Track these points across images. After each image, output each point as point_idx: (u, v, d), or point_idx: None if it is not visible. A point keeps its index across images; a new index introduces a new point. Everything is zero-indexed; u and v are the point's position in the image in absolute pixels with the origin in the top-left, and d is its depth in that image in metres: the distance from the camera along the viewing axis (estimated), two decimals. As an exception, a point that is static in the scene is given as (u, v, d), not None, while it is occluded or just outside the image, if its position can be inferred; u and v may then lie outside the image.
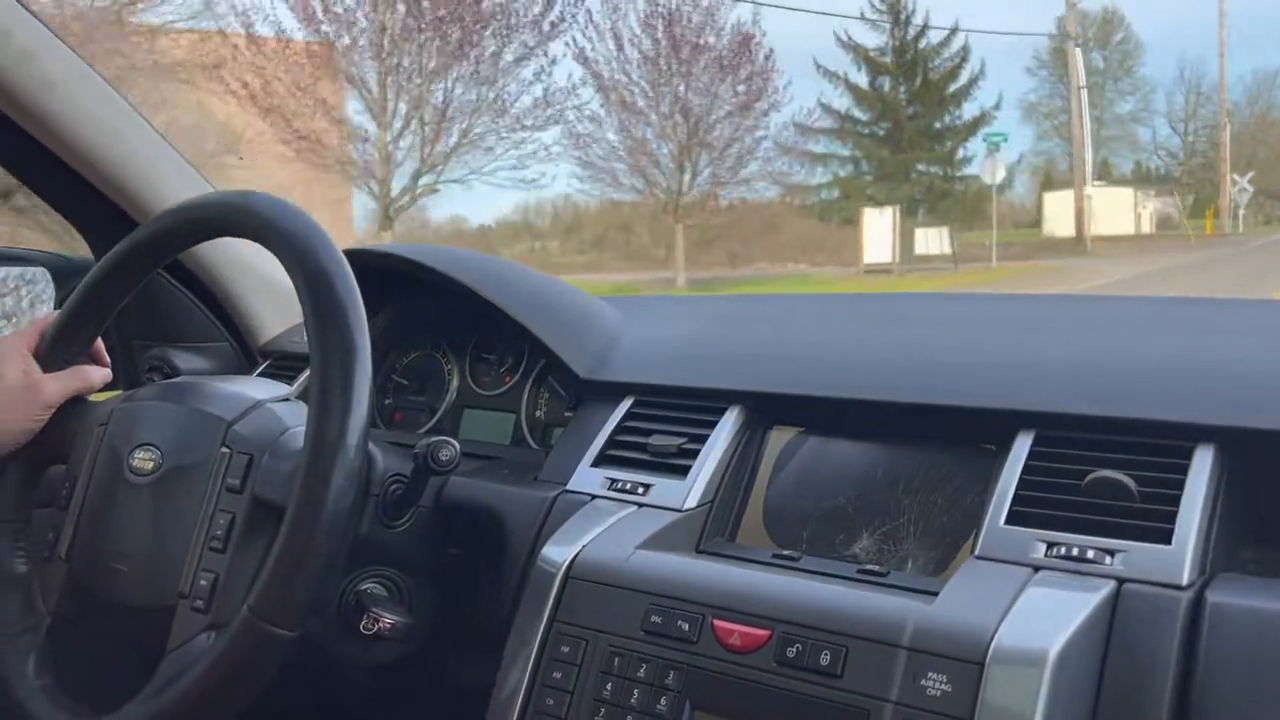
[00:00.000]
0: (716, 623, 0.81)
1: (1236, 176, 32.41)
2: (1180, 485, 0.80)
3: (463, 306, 1.23)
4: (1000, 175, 23.16)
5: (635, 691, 0.82)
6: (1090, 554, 0.79)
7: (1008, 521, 0.83)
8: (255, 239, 0.94)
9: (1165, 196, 38.61)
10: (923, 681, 0.73)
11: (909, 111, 31.61)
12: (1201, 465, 0.81)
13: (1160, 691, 0.71)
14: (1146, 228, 34.23)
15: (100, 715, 0.87)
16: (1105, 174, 38.60)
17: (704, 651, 0.81)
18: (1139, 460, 0.83)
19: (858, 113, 31.97)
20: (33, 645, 0.95)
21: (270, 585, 0.81)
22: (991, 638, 0.72)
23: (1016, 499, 0.84)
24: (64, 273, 1.44)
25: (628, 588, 0.86)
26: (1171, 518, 0.78)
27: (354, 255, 1.00)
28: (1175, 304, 1.15)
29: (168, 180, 1.30)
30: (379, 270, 1.27)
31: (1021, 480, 0.85)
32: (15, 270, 1.52)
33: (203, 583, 0.88)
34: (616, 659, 0.84)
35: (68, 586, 0.96)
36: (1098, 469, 0.83)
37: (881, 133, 31.90)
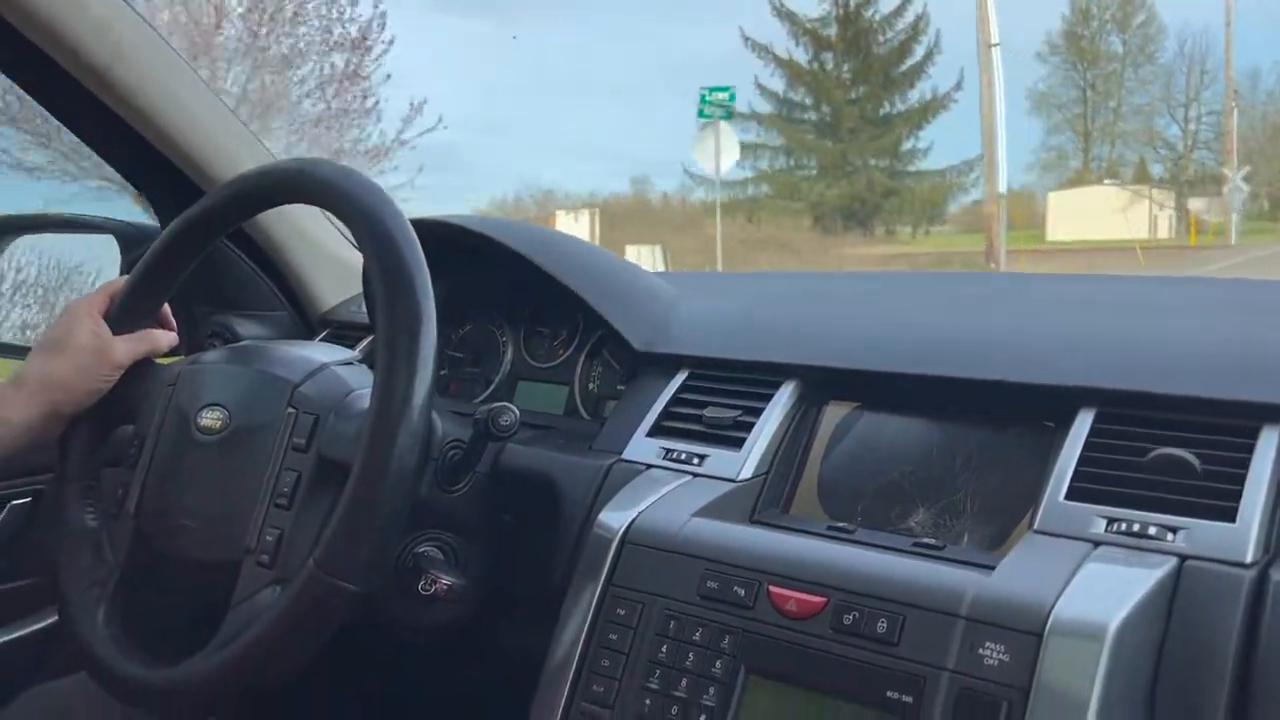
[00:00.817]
0: (772, 589, 0.82)
1: (1227, 171, 28.77)
2: (1245, 464, 0.79)
3: (518, 278, 1.24)
4: (728, 157, 15.67)
5: (690, 654, 0.82)
6: (1152, 530, 0.78)
7: (1068, 496, 0.83)
8: (324, 205, 0.96)
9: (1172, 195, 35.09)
10: (980, 651, 0.73)
11: (852, 94, 28.06)
12: (1268, 444, 0.80)
13: (1221, 670, 0.71)
14: (1163, 232, 31.14)
15: (167, 665, 0.90)
16: (1115, 172, 35.38)
17: (760, 617, 0.81)
18: (1203, 439, 0.82)
19: (794, 96, 28.50)
20: (102, 597, 0.98)
21: (336, 540, 0.83)
22: (1051, 609, 0.72)
23: (1077, 475, 0.84)
24: (131, 239, 1.48)
25: (683, 553, 0.87)
26: (1236, 496, 0.78)
27: (415, 224, 1.01)
28: (1241, 286, 1.13)
29: (233, 149, 1.33)
30: (438, 240, 1.29)
31: (1082, 456, 0.85)
32: (85, 236, 1.56)
33: (268, 538, 0.90)
34: (672, 622, 0.84)
35: (135, 542, 0.99)
36: (1160, 446, 0.83)
37: (820, 119, 28.45)
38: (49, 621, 1.29)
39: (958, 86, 29.08)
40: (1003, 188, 20.03)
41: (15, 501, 1.29)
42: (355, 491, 0.83)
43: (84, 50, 1.19)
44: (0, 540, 1.28)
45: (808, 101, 28.67)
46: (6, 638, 1.29)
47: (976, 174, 27.92)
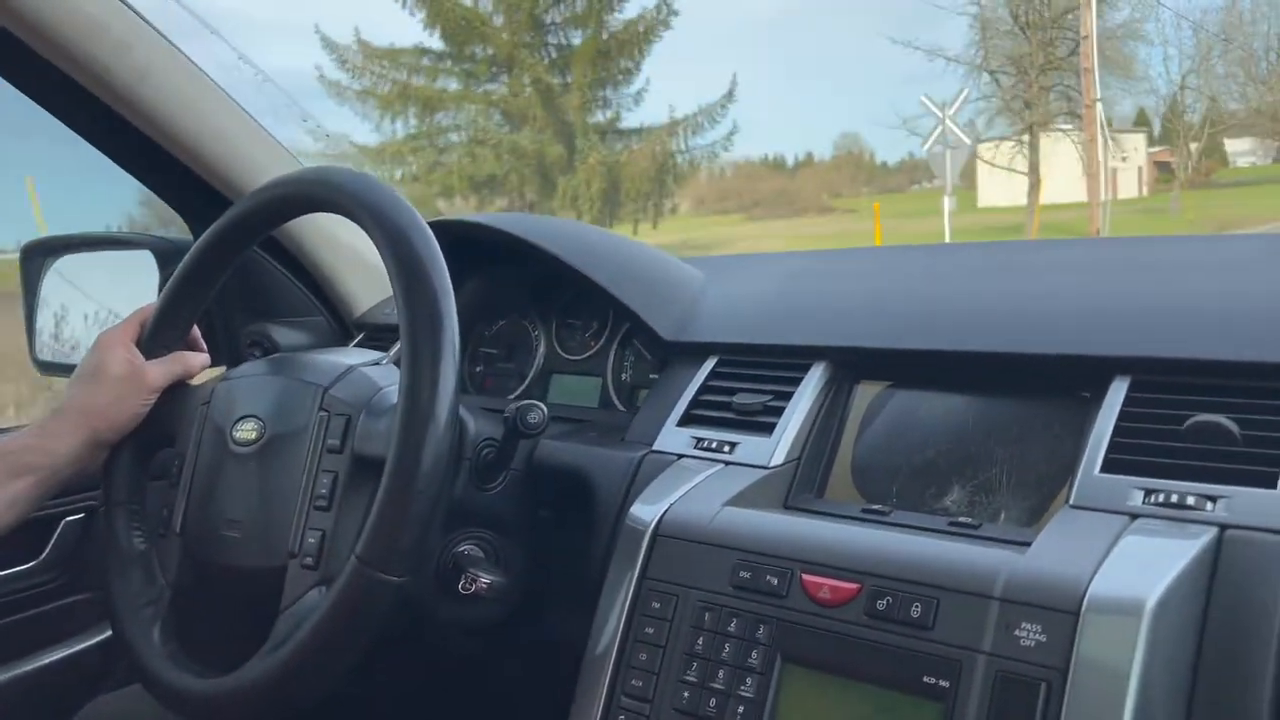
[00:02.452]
0: (805, 577, 0.81)
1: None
2: None
3: (547, 273, 1.25)
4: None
5: (726, 645, 0.82)
6: (1190, 500, 0.76)
7: (1103, 469, 0.81)
8: (341, 213, 0.97)
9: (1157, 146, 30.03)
10: (1016, 632, 0.72)
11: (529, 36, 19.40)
12: None
13: (1267, 640, 0.69)
14: (1128, 190, 26.30)
15: (223, 675, 0.91)
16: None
17: (793, 605, 0.81)
18: (1241, 404, 0.80)
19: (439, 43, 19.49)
20: (156, 616, 1.00)
21: (376, 532, 0.84)
22: (1086, 587, 0.71)
23: (1112, 446, 0.82)
24: (167, 255, 1.49)
25: (715, 544, 0.87)
26: (1277, 461, 0.76)
27: (439, 226, 1.02)
28: (1266, 241, 1.10)
29: (259, 161, 1.34)
30: (465, 240, 1.29)
31: (1117, 427, 0.83)
32: (121, 253, 1.59)
33: (310, 540, 0.91)
34: (707, 614, 0.84)
35: (184, 558, 1.01)
36: (1197, 413, 0.81)
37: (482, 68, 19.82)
38: (108, 635, 1.33)
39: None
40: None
41: (70, 518, 1.33)
42: (391, 482, 0.84)
43: (107, 72, 1.21)
44: (57, 557, 1.31)
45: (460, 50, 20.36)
46: (67, 652, 1.32)
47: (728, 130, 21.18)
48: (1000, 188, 25.70)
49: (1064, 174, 22.87)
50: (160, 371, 1.06)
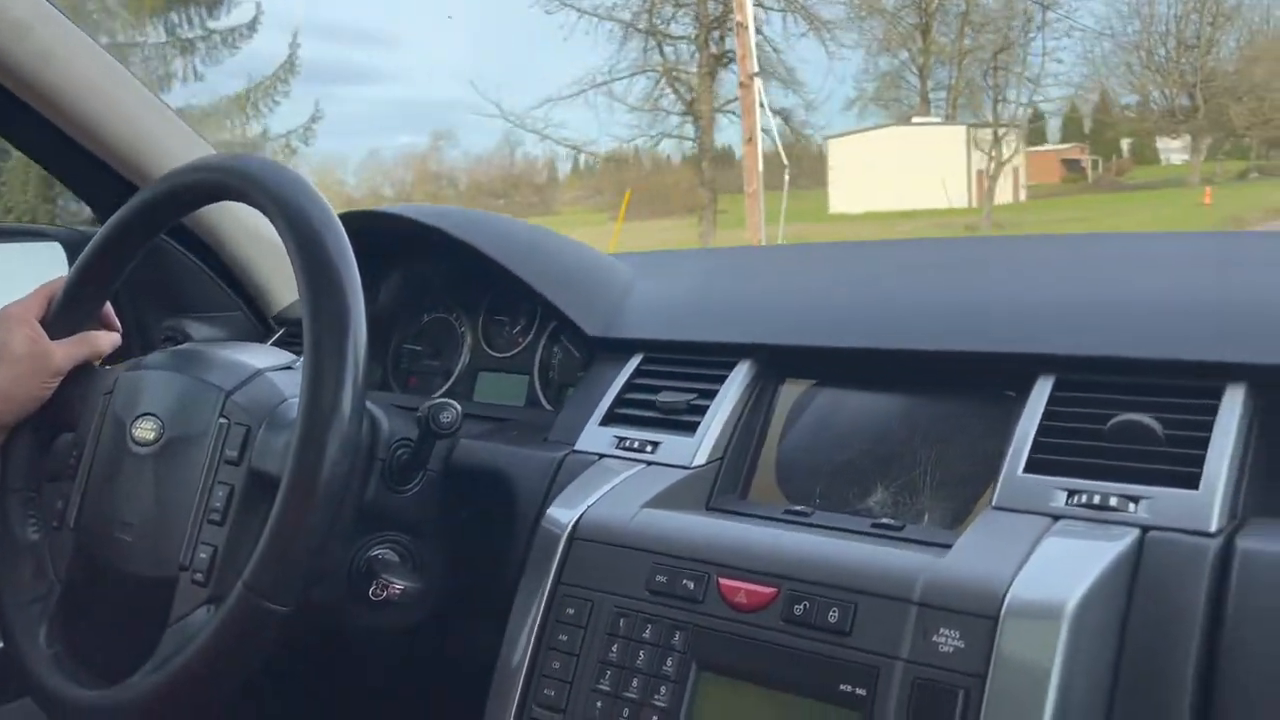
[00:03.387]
0: (722, 581, 0.79)
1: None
2: (1209, 427, 0.76)
3: (473, 268, 1.21)
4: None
5: (641, 653, 0.80)
6: (1113, 501, 0.75)
7: (1027, 469, 0.80)
8: (247, 202, 0.92)
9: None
10: (934, 638, 0.70)
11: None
12: (1231, 406, 0.77)
13: (1187, 644, 0.68)
14: (1005, 196, 22.40)
15: (107, 685, 0.87)
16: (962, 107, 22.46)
17: (710, 611, 0.78)
18: (1165, 403, 0.79)
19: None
20: (44, 613, 0.95)
21: (265, 560, 0.80)
22: (1006, 590, 0.69)
23: (1036, 446, 0.81)
24: (77, 246, 1.43)
25: (632, 547, 0.84)
26: (1199, 461, 0.74)
27: (358, 217, 0.98)
28: (1196, 239, 1.10)
29: (170, 147, 1.29)
30: (387, 233, 1.25)
31: (1041, 426, 0.82)
32: (28, 245, 1.53)
33: (202, 555, 0.87)
34: (622, 620, 0.81)
35: (76, 555, 0.96)
36: (1121, 413, 0.79)
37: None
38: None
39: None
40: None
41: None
42: (283, 509, 0.80)
43: (8, 55, 1.15)
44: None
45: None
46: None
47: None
48: (859, 191, 21.94)
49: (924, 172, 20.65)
50: (65, 353, 1.00)
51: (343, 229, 0.87)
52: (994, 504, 0.79)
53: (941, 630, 0.69)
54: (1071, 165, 30.51)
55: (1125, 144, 28.85)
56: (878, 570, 0.74)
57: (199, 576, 0.86)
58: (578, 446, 1.01)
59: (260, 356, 1.00)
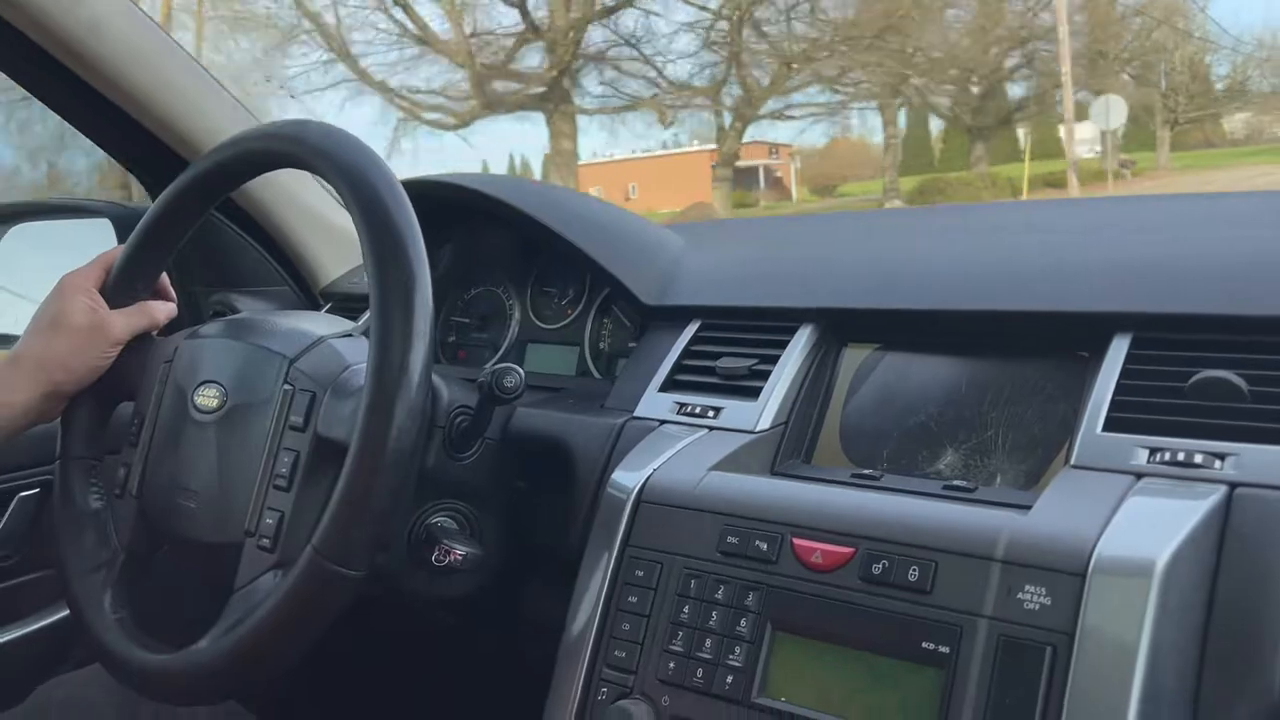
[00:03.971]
0: (796, 541, 0.78)
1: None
2: None
3: (523, 238, 1.20)
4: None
5: (714, 613, 0.79)
6: (1198, 458, 0.73)
7: (1105, 428, 0.78)
8: (308, 169, 0.92)
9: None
10: (1019, 595, 0.68)
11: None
12: None
13: (1278, 601, 0.66)
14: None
15: (173, 650, 0.87)
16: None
17: (784, 571, 0.77)
18: (1248, 359, 0.77)
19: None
20: (108, 580, 0.96)
21: (334, 525, 0.80)
22: (1093, 547, 0.67)
23: (1114, 405, 0.79)
24: (126, 221, 1.44)
25: (701, 509, 0.83)
26: None
27: (410, 185, 0.97)
28: (1266, 197, 1.07)
29: (217, 118, 1.28)
30: (442, 202, 1.24)
31: (1119, 385, 0.80)
32: (78, 220, 1.53)
33: (269, 521, 0.87)
34: (693, 581, 0.81)
35: (139, 522, 0.96)
36: (1202, 370, 0.78)
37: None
38: (65, 615, 1.27)
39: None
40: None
41: (24, 493, 1.27)
42: (352, 475, 0.79)
43: (57, 25, 1.15)
44: (11, 532, 1.25)
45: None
46: (22, 631, 1.27)
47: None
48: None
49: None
50: (124, 323, 1.00)
51: (405, 194, 0.86)
52: (1072, 463, 0.78)
53: (1027, 588, 0.68)
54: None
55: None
56: (958, 528, 0.73)
57: (265, 542, 0.86)
58: (638, 413, 1.00)
59: (319, 324, 0.99)
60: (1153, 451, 0.75)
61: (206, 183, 1.00)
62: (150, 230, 1.01)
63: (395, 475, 0.80)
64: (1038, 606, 0.68)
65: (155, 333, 1.05)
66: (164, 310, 1.04)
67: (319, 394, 0.90)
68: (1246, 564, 0.68)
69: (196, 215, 1.02)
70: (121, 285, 1.02)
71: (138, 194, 1.74)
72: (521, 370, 0.92)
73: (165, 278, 1.06)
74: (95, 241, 1.43)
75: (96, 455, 1.01)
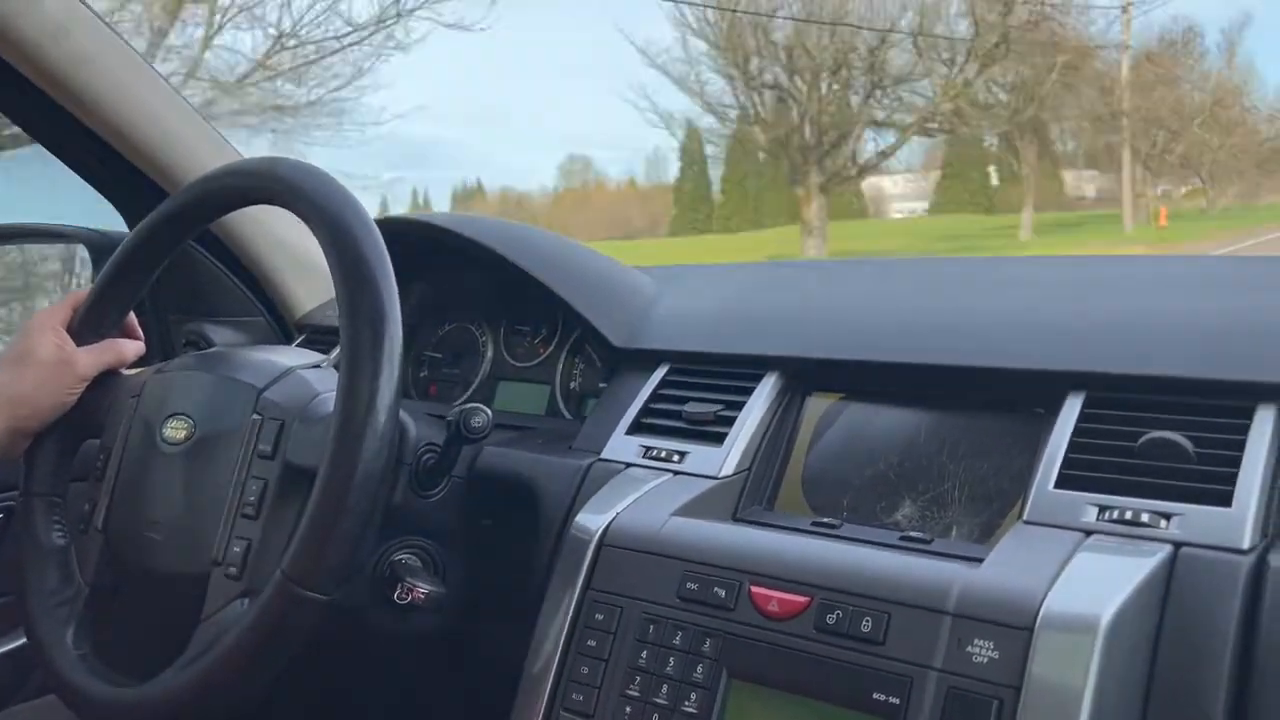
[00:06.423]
0: (754, 589, 0.79)
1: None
2: (1241, 446, 0.77)
3: (497, 276, 1.22)
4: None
5: (671, 659, 0.80)
6: (1145, 517, 0.75)
7: (1057, 485, 0.80)
8: (282, 205, 0.93)
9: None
10: (969, 648, 0.70)
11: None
12: (1263, 425, 0.77)
13: (1219, 660, 0.68)
14: None
15: (138, 683, 0.87)
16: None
17: (741, 619, 0.79)
18: (1196, 421, 0.79)
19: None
20: (71, 616, 0.95)
21: (303, 548, 0.80)
22: (1041, 603, 0.69)
23: (1067, 462, 0.81)
24: (101, 248, 1.45)
25: (662, 554, 0.84)
26: (1231, 479, 0.75)
27: (386, 224, 0.98)
28: (1228, 263, 1.11)
29: (199, 152, 1.30)
30: (410, 239, 1.26)
31: (1072, 443, 0.82)
32: (54, 246, 1.53)
33: (236, 549, 0.87)
34: (651, 626, 0.82)
35: (104, 557, 0.96)
36: (1152, 430, 0.80)
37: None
38: (22, 642, 1.26)
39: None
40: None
41: (-15, 519, 1.26)
42: (321, 498, 0.80)
43: (41, 55, 1.16)
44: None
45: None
46: (-20, 658, 1.26)
47: None
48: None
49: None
50: (90, 359, 1.01)
51: (379, 235, 0.88)
52: (1024, 518, 0.80)
53: (976, 641, 0.70)
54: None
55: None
56: (911, 581, 0.74)
57: (233, 570, 0.87)
58: (604, 455, 1.02)
59: (288, 355, 1.00)
60: (1102, 509, 0.77)
61: (179, 219, 1.01)
62: (121, 267, 1.02)
63: (364, 498, 0.80)
64: (986, 660, 0.69)
65: (123, 369, 1.06)
66: (132, 348, 1.05)
67: (288, 422, 0.90)
68: (1188, 623, 0.70)
69: (167, 252, 1.03)
70: (89, 323, 1.03)
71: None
72: (489, 411, 0.94)
73: (133, 316, 1.07)
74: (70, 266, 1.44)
75: (60, 492, 1.01)
